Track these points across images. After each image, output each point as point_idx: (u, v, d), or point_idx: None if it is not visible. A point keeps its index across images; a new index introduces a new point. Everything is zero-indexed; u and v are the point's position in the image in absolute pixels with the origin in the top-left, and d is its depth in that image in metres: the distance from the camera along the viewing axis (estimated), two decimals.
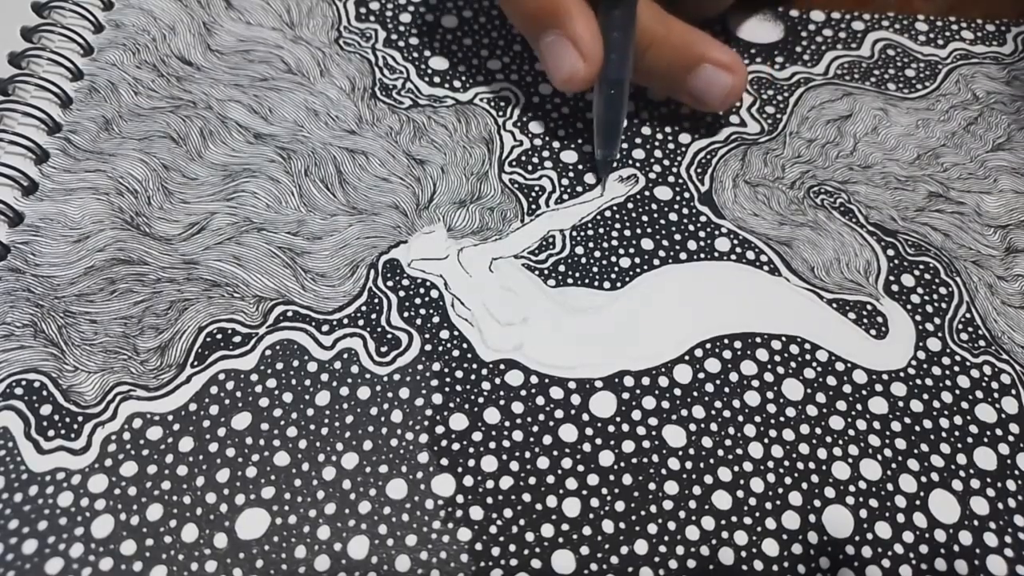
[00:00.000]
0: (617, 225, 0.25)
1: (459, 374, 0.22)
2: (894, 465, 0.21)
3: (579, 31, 0.23)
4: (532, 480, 0.21)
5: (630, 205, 0.26)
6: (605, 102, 0.25)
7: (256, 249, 0.24)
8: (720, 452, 0.21)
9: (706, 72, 0.25)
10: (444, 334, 0.23)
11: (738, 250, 0.25)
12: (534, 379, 0.22)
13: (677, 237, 0.25)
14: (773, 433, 0.22)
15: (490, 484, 0.21)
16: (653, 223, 0.25)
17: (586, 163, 0.27)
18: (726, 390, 0.22)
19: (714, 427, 0.22)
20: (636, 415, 0.22)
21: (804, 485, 0.21)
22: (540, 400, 0.22)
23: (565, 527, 0.20)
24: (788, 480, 0.21)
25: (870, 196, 0.26)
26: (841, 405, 0.22)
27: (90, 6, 0.28)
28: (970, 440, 0.22)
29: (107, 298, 0.23)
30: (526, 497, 0.21)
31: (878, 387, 0.23)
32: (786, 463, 0.21)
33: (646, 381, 0.22)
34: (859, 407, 0.22)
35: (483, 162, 0.26)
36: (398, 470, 0.21)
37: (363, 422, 0.21)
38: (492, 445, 0.21)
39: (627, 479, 0.21)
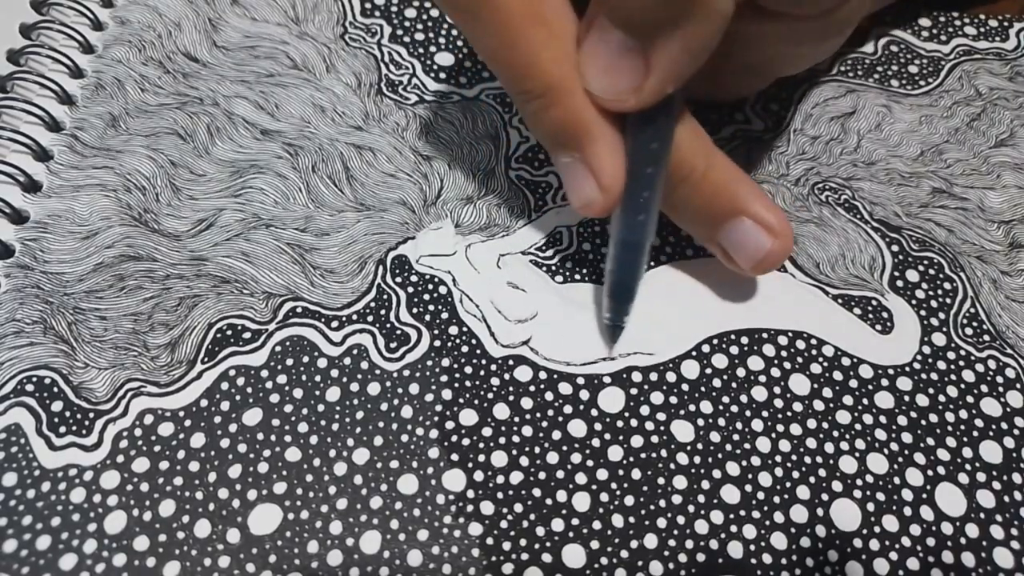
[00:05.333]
0: None
1: (468, 370, 0.22)
2: (900, 459, 0.22)
3: (599, 160, 0.19)
4: (542, 475, 0.21)
5: None
6: (618, 262, 0.21)
7: (264, 245, 0.24)
8: (728, 447, 0.22)
9: (743, 227, 0.21)
10: (453, 330, 0.23)
11: None
12: (543, 375, 0.22)
13: (683, 233, 0.25)
14: (780, 428, 0.22)
15: (500, 479, 0.21)
16: (660, 219, 0.25)
17: None
18: (733, 385, 0.23)
19: (722, 422, 0.22)
20: (644, 410, 0.22)
21: (811, 479, 0.21)
22: (549, 396, 0.22)
23: (575, 521, 0.20)
24: (796, 474, 0.21)
25: (874, 192, 0.26)
26: (847, 400, 0.22)
27: (90, 4, 0.28)
28: (976, 434, 0.22)
29: (116, 294, 0.23)
30: (536, 492, 0.21)
31: (884, 382, 0.23)
32: (793, 457, 0.21)
33: (654, 376, 0.23)
34: (865, 401, 0.22)
35: (490, 158, 0.26)
36: (409, 465, 0.21)
37: (373, 418, 0.21)
38: (502, 440, 0.21)
39: (636, 474, 0.21)
